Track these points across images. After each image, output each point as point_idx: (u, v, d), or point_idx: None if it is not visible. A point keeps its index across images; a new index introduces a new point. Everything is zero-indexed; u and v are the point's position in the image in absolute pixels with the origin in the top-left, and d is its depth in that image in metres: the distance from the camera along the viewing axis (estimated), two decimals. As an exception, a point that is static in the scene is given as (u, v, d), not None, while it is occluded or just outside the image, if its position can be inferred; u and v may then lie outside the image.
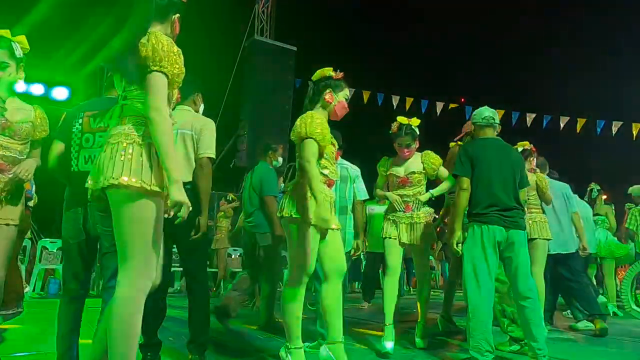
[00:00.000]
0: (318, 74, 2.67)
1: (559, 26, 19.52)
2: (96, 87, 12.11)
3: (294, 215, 2.46)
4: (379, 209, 5.61)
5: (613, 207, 6.53)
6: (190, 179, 2.64)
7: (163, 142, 1.70)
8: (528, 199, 3.90)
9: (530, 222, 3.86)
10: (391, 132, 3.49)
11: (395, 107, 10.58)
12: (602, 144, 11.56)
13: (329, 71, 2.66)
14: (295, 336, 2.52)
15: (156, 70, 1.76)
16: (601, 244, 5.83)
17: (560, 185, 4.56)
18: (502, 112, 10.55)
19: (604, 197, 6.50)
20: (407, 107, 10.47)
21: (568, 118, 10.27)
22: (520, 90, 17.53)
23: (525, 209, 3.72)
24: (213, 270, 8.40)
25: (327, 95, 2.60)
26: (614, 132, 9.97)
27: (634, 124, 9.78)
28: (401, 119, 3.47)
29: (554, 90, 18.13)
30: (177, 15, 2.00)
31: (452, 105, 10.78)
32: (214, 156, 2.75)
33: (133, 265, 1.71)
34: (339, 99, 2.63)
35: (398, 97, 10.61)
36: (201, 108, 2.99)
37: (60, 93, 10.03)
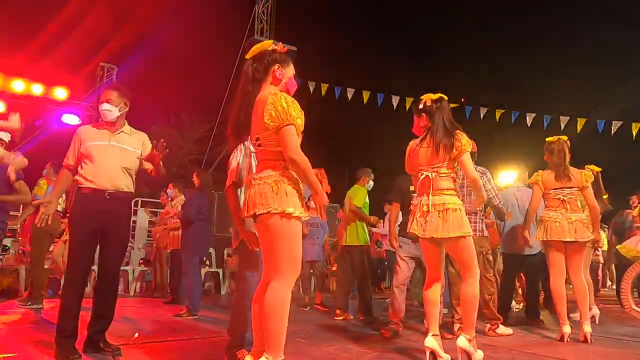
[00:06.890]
0: (257, 48, 2.32)
1: (560, 26, 19.53)
2: (96, 87, 12.11)
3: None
4: None
5: None
6: None
7: None
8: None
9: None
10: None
11: (395, 107, 10.56)
12: (602, 144, 11.55)
13: (269, 44, 2.32)
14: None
15: None
16: None
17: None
18: (502, 112, 10.55)
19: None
20: (407, 107, 10.45)
21: (568, 118, 10.25)
22: (520, 90, 17.54)
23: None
24: (214, 270, 8.42)
25: (278, 72, 2.30)
26: (613, 132, 9.96)
27: (633, 124, 9.76)
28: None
29: (554, 90, 18.16)
30: None
31: (452, 105, 10.75)
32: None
33: None
34: (289, 74, 2.34)
35: (398, 97, 10.59)
36: None
37: (60, 93, 10.03)
